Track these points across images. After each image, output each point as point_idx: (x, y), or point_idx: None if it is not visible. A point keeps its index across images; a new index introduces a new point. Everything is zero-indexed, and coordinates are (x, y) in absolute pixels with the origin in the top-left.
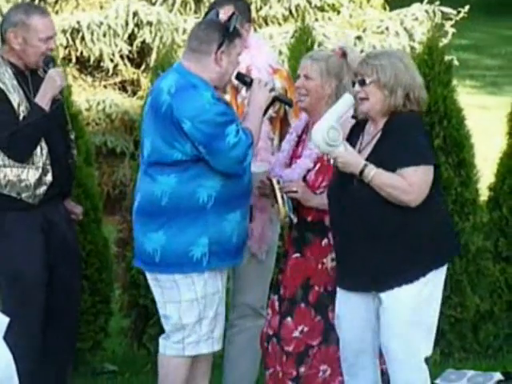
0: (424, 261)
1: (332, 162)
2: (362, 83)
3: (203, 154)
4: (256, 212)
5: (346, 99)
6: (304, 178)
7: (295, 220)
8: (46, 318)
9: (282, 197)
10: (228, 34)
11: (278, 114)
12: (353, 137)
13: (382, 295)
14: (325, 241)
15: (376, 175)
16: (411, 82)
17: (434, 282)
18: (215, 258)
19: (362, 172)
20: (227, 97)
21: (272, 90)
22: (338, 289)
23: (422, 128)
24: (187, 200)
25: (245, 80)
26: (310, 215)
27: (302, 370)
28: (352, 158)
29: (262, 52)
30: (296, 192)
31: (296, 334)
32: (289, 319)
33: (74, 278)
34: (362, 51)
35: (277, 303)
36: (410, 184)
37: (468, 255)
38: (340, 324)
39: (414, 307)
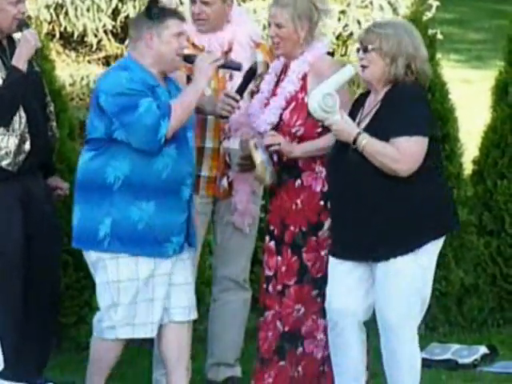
0: (419, 232)
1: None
2: (365, 50)
3: (118, 129)
4: (238, 185)
5: (347, 69)
6: (280, 118)
7: (275, 181)
8: (27, 291)
9: (262, 161)
10: (155, 16)
11: (259, 88)
12: (354, 109)
13: (378, 265)
14: (298, 181)
15: (368, 143)
16: (414, 53)
17: (428, 254)
18: (117, 242)
19: (355, 140)
20: (212, 83)
21: (217, 60)
22: (330, 257)
23: (422, 99)
24: (95, 178)
25: (191, 59)
26: (283, 157)
27: (276, 308)
28: (346, 126)
29: (245, 26)
30: (279, 144)
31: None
32: (266, 258)
33: (53, 251)
34: (346, 25)
35: (272, 243)
36: (400, 153)
37: None
38: (330, 291)
39: (410, 278)
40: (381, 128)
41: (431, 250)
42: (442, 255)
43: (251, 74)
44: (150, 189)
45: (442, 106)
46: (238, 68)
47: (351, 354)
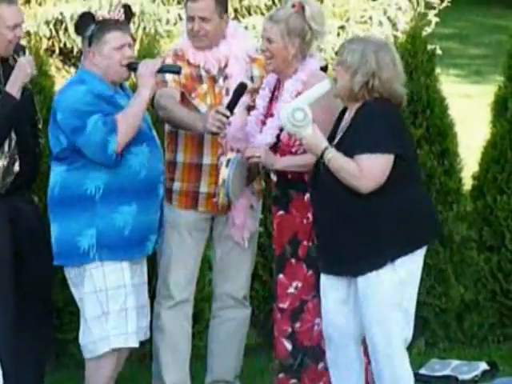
0: (389, 247)
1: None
2: (337, 64)
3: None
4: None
5: (323, 84)
6: (278, 138)
7: (233, 200)
8: (18, 308)
9: (224, 178)
10: (92, 34)
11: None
12: (335, 125)
13: (358, 280)
14: (307, 196)
15: (333, 158)
16: (376, 71)
17: (406, 268)
18: (106, 251)
19: (322, 154)
20: (204, 87)
21: (155, 65)
22: (321, 273)
23: (389, 117)
24: (76, 191)
25: (134, 67)
26: (289, 173)
27: (297, 325)
28: (315, 141)
29: (240, 41)
30: (259, 157)
31: (291, 290)
32: (281, 276)
33: (43, 267)
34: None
35: (281, 276)
36: (361, 170)
37: (452, 245)
38: (324, 307)
39: (386, 293)
40: (347, 145)
41: (409, 264)
42: (441, 271)
43: (241, 90)
44: (130, 191)
45: (442, 121)
46: (177, 71)
47: (347, 369)
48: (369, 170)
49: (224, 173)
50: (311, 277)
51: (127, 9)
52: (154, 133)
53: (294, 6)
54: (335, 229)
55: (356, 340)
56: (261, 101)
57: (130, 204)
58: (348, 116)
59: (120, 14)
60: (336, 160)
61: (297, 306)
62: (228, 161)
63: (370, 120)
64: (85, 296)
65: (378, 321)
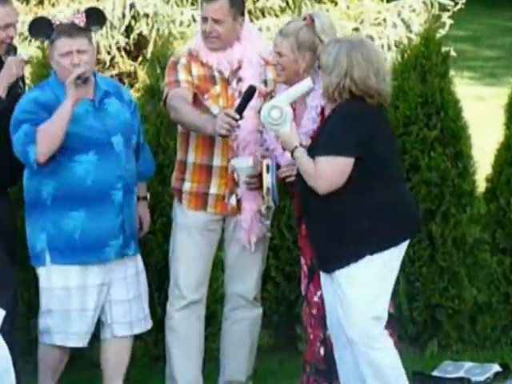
0: (356, 246)
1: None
2: (317, 66)
3: None
4: (245, 203)
5: (304, 82)
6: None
7: (274, 206)
8: None
9: (268, 186)
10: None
11: None
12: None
13: (334, 275)
14: None
15: (298, 158)
16: (347, 70)
17: (375, 266)
18: (57, 254)
19: (292, 152)
20: (217, 88)
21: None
22: None
23: (355, 118)
24: (33, 195)
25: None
26: None
27: (328, 332)
28: (289, 139)
29: (254, 44)
30: (291, 176)
31: (316, 298)
32: (311, 285)
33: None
34: None
35: (304, 267)
36: (317, 171)
37: (465, 247)
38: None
39: (356, 289)
40: (314, 146)
41: (378, 262)
42: (454, 273)
43: (251, 93)
44: (78, 197)
45: (455, 124)
46: (84, 78)
47: (346, 366)
48: (323, 171)
49: (267, 181)
50: None
51: (94, 13)
52: (118, 139)
53: (305, 18)
54: (309, 227)
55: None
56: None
57: (78, 210)
58: (326, 116)
59: (82, 19)
60: (300, 160)
61: (322, 314)
62: (267, 167)
63: (333, 122)
64: (39, 292)
65: (346, 318)
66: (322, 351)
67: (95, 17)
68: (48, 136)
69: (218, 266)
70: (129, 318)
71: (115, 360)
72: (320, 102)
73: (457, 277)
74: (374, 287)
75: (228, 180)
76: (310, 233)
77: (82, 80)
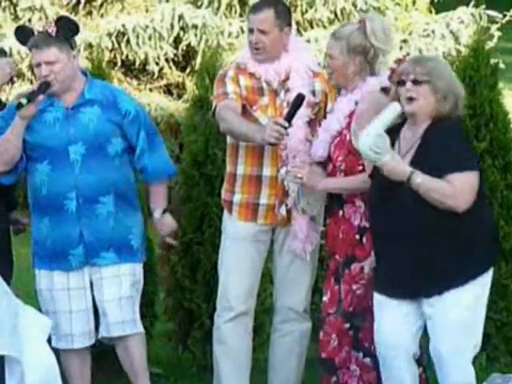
0: (473, 265)
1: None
2: (415, 82)
3: None
4: (296, 213)
5: (394, 107)
6: (328, 152)
7: (313, 212)
8: None
9: (293, 191)
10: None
11: (317, 117)
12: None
13: (431, 300)
14: (340, 212)
15: (423, 181)
16: (460, 91)
17: (481, 286)
18: (37, 258)
19: (408, 179)
20: (265, 99)
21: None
22: (376, 294)
23: (463, 134)
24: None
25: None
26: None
27: (321, 334)
28: (398, 166)
29: (302, 55)
30: (301, 178)
31: (324, 298)
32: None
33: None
34: (407, 54)
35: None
36: (455, 189)
37: None
38: (378, 327)
39: (463, 310)
40: (429, 166)
41: (483, 282)
42: (503, 286)
43: (299, 101)
44: (39, 206)
45: (504, 136)
46: (43, 90)
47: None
48: (461, 188)
49: (290, 187)
50: (336, 292)
51: (63, 22)
52: (76, 147)
53: (360, 21)
54: (415, 250)
55: (410, 359)
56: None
57: (42, 217)
58: (413, 135)
59: (52, 29)
60: (427, 182)
61: (323, 316)
62: (294, 176)
63: (451, 138)
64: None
65: (448, 339)
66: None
67: (66, 26)
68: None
69: (266, 278)
70: (105, 319)
71: (128, 360)
72: (350, 107)
73: (505, 289)
74: (479, 307)
75: (278, 190)
76: (416, 256)
77: (39, 92)
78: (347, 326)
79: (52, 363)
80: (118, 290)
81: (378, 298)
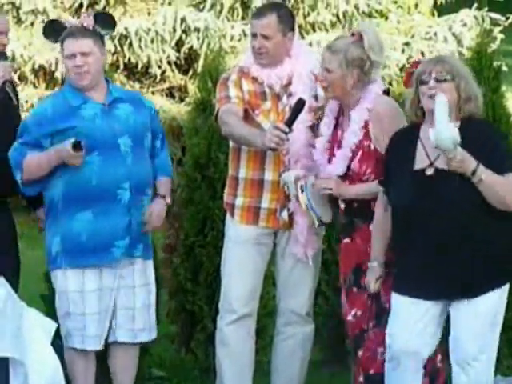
0: (506, 270)
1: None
2: (438, 81)
3: None
4: (299, 217)
5: (442, 99)
6: (348, 168)
7: (327, 220)
8: None
9: (306, 204)
10: (52, 38)
11: (320, 121)
12: (406, 142)
13: (463, 302)
14: (367, 226)
15: (488, 174)
16: (479, 92)
17: (504, 294)
18: (69, 256)
19: (474, 171)
20: (268, 104)
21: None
22: (397, 296)
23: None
24: (48, 201)
25: None
26: (355, 202)
27: (360, 353)
28: (467, 157)
29: (305, 60)
30: (330, 189)
31: (349, 317)
32: (346, 303)
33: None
34: (410, 57)
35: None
36: None
37: None
38: (394, 328)
39: (495, 313)
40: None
41: (505, 288)
42: None
43: (300, 106)
44: (84, 198)
45: (507, 139)
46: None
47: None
48: None
49: (303, 200)
50: (371, 306)
51: (102, 16)
52: (125, 140)
53: (353, 34)
54: (458, 250)
55: (422, 361)
56: (325, 128)
57: (85, 211)
58: None
59: (89, 21)
60: (492, 176)
61: (357, 334)
62: (301, 187)
63: (497, 138)
64: (56, 295)
65: (478, 342)
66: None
67: (104, 20)
68: (30, 171)
69: (268, 280)
70: (131, 325)
71: (120, 367)
72: (364, 116)
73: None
74: (503, 311)
75: (280, 194)
76: (458, 256)
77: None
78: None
79: (56, 365)
80: (147, 296)
81: (400, 299)
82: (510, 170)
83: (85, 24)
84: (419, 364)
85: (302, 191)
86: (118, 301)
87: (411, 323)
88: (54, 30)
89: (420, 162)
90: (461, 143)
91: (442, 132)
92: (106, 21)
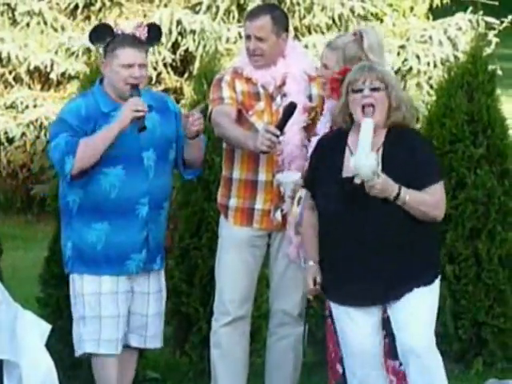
0: (433, 268)
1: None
2: (374, 89)
3: None
4: (291, 218)
5: (368, 124)
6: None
7: None
8: None
9: (297, 219)
10: (107, 45)
11: (314, 121)
12: (334, 149)
13: (395, 303)
14: None
15: (411, 196)
16: (409, 101)
17: (436, 289)
18: (80, 263)
19: (397, 195)
20: (261, 104)
21: (139, 111)
22: (335, 305)
23: (430, 143)
24: (62, 203)
25: (136, 91)
26: None
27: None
28: (388, 184)
29: (298, 60)
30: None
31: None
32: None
33: None
34: (405, 60)
35: None
36: (438, 200)
37: (511, 265)
38: (345, 339)
39: (431, 307)
40: (398, 174)
41: (436, 285)
42: (500, 291)
43: (291, 109)
44: (102, 209)
45: (502, 142)
46: (141, 128)
47: None
48: (442, 198)
49: (295, 211)
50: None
51: (155, 29)
52: (149, 153)
53: (355, 33)
54: (385, 258)
55: (382, 364)
56: (322, 127)
57: (102, 222)
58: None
59: (143, 33)
60: (415, 197)
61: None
62: (299, 200)
63: (426, 149)
64: (71, 299)
65: (422, 336)
66: (340, 370)
67: (156, 33)
68: (86, 153)
69: (262, 282)
70: (143, 332)
71: (121, 370)
72: (329, 119)
73: (502, 295)
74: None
75: (273, 195)
76: (386, 262)
77: (138, 126)
78: (383, 333)
79: (50, 367)
80: (160, 303)
81: (339, 309)
82: (434, 181)
83: (137, 34)
84: (376, 368)
85: (299, 204)
86: (132, 306)
87: (357, 332)
88: (102, 35)
89: (348, 169)
90: (388, 153)
91: (361, 159)
92: (156, 33)
